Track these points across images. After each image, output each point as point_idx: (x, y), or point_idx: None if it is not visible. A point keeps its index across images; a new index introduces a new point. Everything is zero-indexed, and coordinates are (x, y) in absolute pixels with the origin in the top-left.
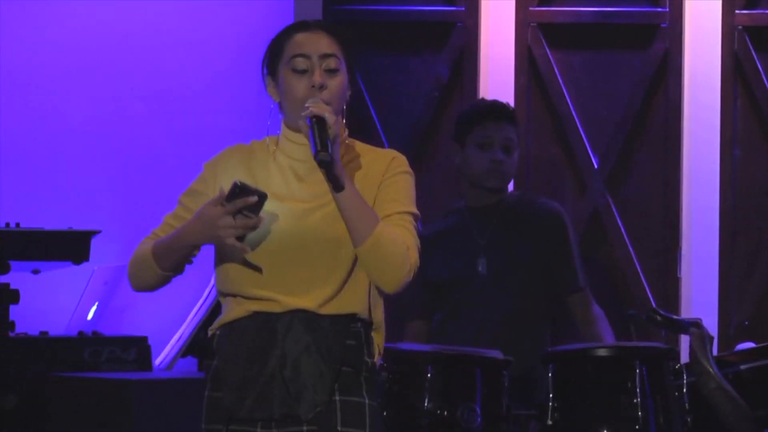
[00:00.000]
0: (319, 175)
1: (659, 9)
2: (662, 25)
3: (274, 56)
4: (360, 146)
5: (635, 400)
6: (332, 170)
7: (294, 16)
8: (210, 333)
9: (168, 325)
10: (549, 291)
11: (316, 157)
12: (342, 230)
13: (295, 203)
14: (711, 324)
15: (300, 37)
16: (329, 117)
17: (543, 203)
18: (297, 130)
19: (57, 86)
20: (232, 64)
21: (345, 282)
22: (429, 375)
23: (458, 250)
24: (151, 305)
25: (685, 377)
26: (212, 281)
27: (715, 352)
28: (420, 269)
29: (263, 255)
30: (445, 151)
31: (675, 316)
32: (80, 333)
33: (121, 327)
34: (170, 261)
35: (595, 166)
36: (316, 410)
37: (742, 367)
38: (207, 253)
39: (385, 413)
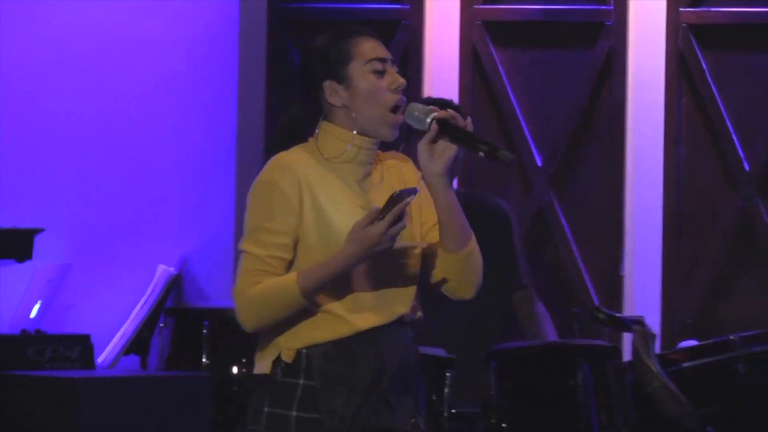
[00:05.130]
0: (372, 180)
1: (604, 7)
2: (607, 23)
3: (337, 60)
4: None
5: (578, 399)
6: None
7: (239, 13)
8: (291, 351)
9: (110, 323)
10: (495, 289)
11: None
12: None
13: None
14: (654, 322)
15: (368, 41)
16: (457, 117)
17: (488, 201)
18: (366, 131)
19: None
20: (178, 63)
21: (416, 287)
22: None
23: None
24: (94, 303)
25: (628, 375)
26: (155, 279)
27: (658, 350)
28: None
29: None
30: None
31: (618, 315)
32: (23, 331)
33: (64, 325)
34: (319, 293)
35: (539, 165)
36: (411, 421)
37: (685, 365)
38: (152, 250)
39: None
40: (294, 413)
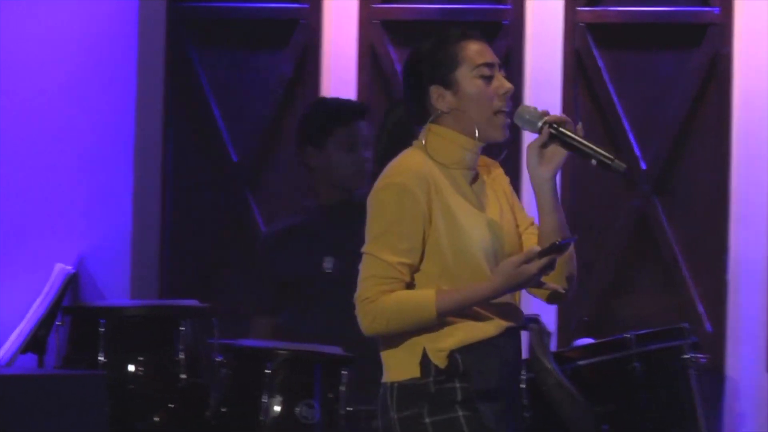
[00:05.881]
0: (479, 184)
1: (501, 6)
2: (504, 23)
3: (444, 65)
4: None
5: None
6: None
7: (138, 13)
8: (442, 354)
9: (7, 322)
10: None
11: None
12: (520, 241)
13: (486, 214)
14: (550, 320)
15: (475, 46)
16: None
17: None
18: (476, 134)
19: None
20: (76, 61)
21: None
22: (268, 371)
23: (305, 247)
24: None
25: (523, 373)
26: (52, 278)
27: (553, 347)
28: (266, 266)
29: (479, 270)
30: (290, 150)
31: None
32: None
33: None
34: (454, 315)
35: None
36: None
37: (581, 363)
38: (49, 248)
39: (225, 410)
40: (461, 413)
